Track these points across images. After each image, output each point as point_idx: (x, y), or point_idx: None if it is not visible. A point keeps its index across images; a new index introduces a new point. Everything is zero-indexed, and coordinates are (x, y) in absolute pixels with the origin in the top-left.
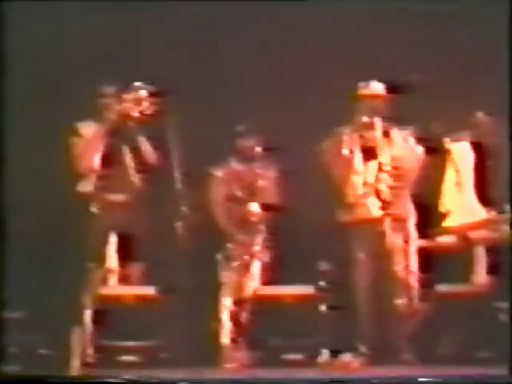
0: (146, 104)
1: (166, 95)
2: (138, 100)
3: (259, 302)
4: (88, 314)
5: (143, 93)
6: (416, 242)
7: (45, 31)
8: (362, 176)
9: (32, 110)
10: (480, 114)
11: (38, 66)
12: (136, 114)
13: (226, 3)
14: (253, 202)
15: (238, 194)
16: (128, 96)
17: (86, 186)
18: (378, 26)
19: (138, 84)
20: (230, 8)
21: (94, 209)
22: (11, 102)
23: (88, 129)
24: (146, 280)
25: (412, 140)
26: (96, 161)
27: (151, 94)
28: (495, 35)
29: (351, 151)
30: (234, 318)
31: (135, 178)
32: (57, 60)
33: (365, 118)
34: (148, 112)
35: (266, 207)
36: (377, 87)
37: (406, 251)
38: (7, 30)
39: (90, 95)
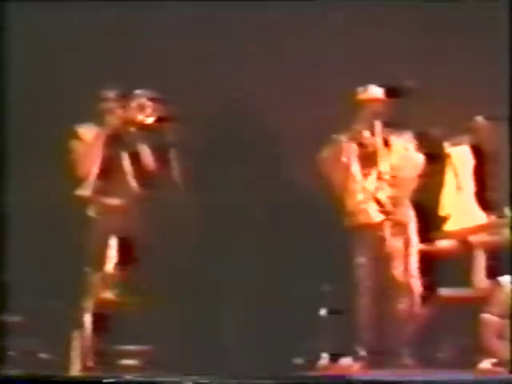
0: (148, 111)
1: (168, 102)
2: (141, 106)
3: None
4: (88, 318)
5: (145, 99)
6: (416, 247)
7: (46, 33)
8: (362, 182)
9: (33, 113)
10: (479, 118)
11: (39, 69)
12: (138, 120)
13: (226, 8)
14: None
15: None
16: (130, 102)
17: (85, 190)
18: (377, 31)
19: (140, 91)
20: (230, 14)
21: (92, 213)
22: (12, 105)
23: (88, 132)
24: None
25: (411, 145)
26: (95, 165)
27: (153, 101)
28: (495, 39)
29: (350, 158)
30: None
31: (134, 184)
32: (58, 63)
33: (364, 124)
34: (150, 118)
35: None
36: (375, 91)
37: (406, 255)
38: (8, 32)
39: (92, 99)
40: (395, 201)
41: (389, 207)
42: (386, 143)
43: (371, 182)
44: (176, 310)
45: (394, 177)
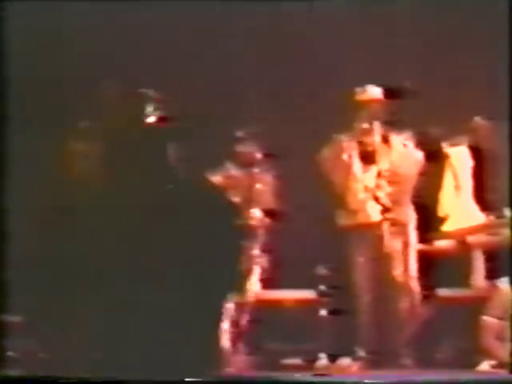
0: (148, 110)
1: (169, 101)
2: (140, 105)
3: (259, 306)
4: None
5: (145, 98)
6: (415, 247)
7: (46, 32)
8: (362, 181)
9: (33, 113)
10: (478, 119)
11: (39, 68)
12: (138, 118)
13: (227, 7)
14: (251, 207)
15: (236, 199)
16: (130, 101)
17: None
18: (376, 31)
19: (140, 90)
20: (230, 14)
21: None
22: (12, 104)
23: (91, 131)
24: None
25: (411, 144)
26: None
27: (154, 100)
28: (494, 39)
29: (350, 157)
30: (234, 322)
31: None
32: (58, 62)
33: (363, 124)
34: (150, 118)
35: (265, 212)
36: (374, 92)
37: (405, 255)
38: (7, 30)
39: (92, 98)
40: (395, 198)
41: (388, 205)
42: (386, 141)
43: (371, 180)
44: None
45: (393, 174)
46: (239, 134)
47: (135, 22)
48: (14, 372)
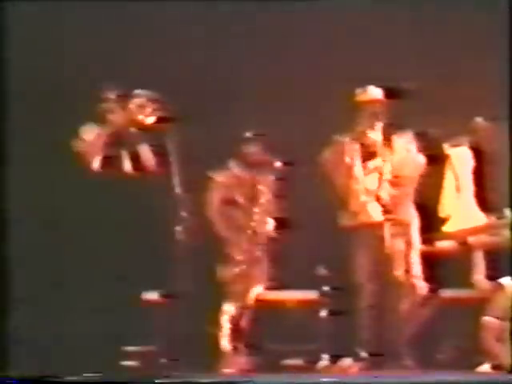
0: (148, 111)
1: (169, 101)
2: (141, 106)
3: (260, 306)
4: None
5: (145, 99)
6: (418, 247)
7: (46, 33)
8: (364, 183)
9: (33, 114)
10: (479, 119)
11: (39, 70)
12: (138, 120)
13: (226, 8)
14: (253, 207)
15: (239, 199)
16: (131, 102)
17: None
18: (376, 32)
19: (140, 91)
20: (231, 14)
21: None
22: (12, 106)
23: (90, 133)
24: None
25: (413, 145)
26: (96, 165)
27: (153, 101)
28: (495, 39)
29: (352, 158)
30: (235, 323)
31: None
32: (58, 63)
33: (365, 125)
34: (150, 118)
35: (267, 213)
36: (374, 92)
37: (407, 256)
38: (8, 32)
39: (93, 99)
40: (397, 201)
41: (390, 207)
42: (387, 142)
43: (373, 182)
44: (177, 311)
45: (395, 176)
46: (239, 134)
47: (136, 22)
48: (13, 372)
